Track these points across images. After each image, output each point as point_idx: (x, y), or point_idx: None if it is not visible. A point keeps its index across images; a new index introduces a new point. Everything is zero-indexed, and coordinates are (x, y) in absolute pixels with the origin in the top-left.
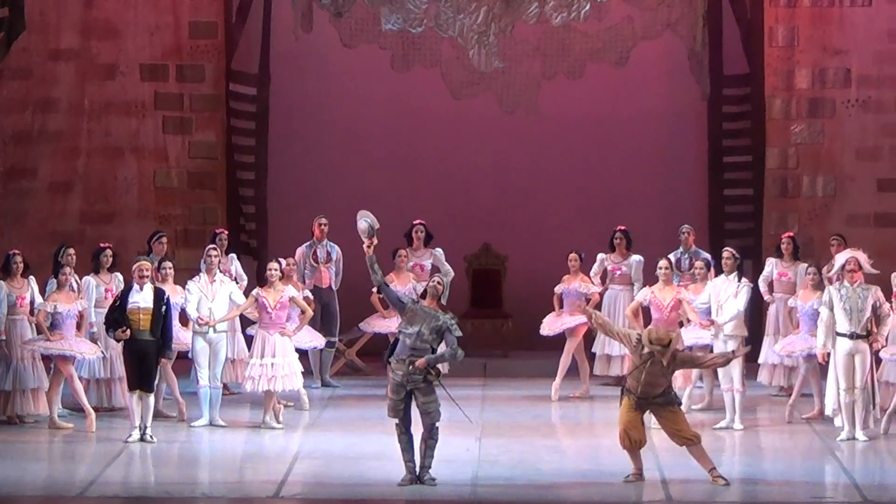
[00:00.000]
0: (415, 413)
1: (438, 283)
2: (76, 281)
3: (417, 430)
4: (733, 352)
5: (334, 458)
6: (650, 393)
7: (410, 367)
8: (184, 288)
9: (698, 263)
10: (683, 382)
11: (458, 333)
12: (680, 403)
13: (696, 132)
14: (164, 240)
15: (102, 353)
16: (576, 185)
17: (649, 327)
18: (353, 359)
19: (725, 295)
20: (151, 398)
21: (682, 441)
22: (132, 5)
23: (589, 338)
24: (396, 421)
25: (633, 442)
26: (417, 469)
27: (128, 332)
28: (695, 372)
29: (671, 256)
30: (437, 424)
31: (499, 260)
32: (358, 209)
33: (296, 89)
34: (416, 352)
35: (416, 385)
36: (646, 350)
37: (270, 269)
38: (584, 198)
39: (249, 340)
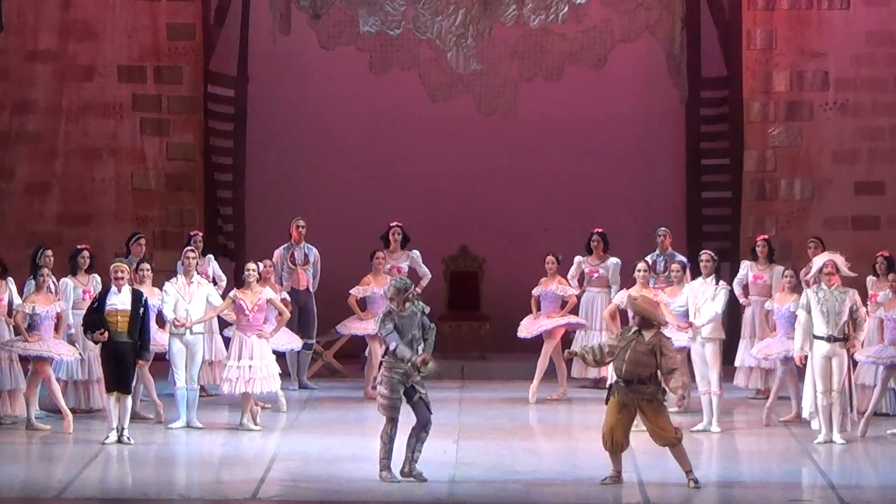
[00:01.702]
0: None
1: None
2: (54, 282)
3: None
4: (683, 397)
5: (312, 460)
6: (635, 374)
7: (412, 364)
8: (161, 290)
9: (674, 266)
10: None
11: (427, 310)
12: (664, 400)
13: (673, 135)
14: (143, 241)
15: (80, 354)
16: (553, 187)
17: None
18: (331, 361)
19: (703, 298)
20: (129, 400)
21: (665, 441)
22: (110, 7)
23: (566, 340)
24: (393, 418)
25: (616, 444)
26: (402, 464)
27: (105, 333)
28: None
29: (647, 259)
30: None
31: (476, 262)
32: (336, 211)
33: (274, 91)
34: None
35: (415, 380)
36: (631, 331)
37: (248, 271)
38: (561, 200)
39: (227, 342)
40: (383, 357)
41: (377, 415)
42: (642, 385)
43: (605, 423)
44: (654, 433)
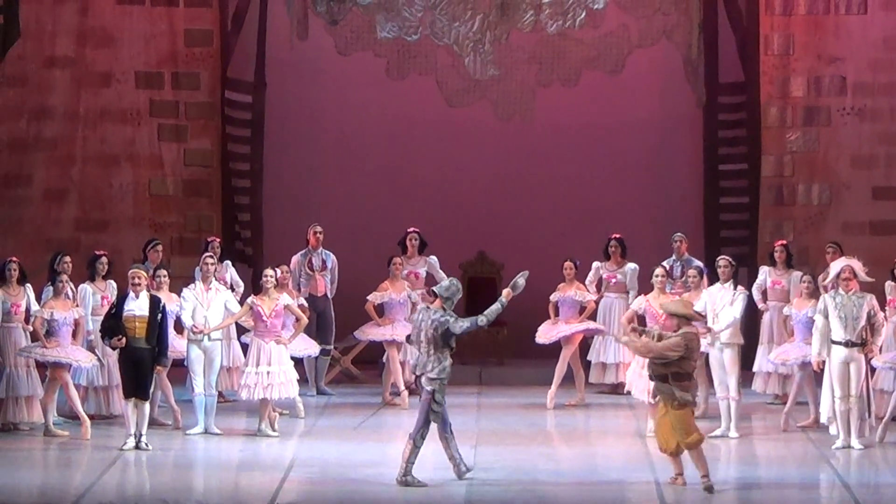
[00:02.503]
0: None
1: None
2: (72, 289)
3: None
4: None
5: (329, 466)
6: (658, 372)
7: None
8: (179, 296)
9: (691, 271)
10: None
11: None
12: (695, 405)
13: (691, 140)
14: (160, 248)
15: (99, 360)
16: (571, 193)
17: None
18: (349, 367)
19: (721, 303)
20: (147, 406)
21: (686, 445)
22: (127, 13)
23: (585, 346)
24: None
25: (669, 447)
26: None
27: (123, 340)
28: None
29: (665, 264)
30: None
31: (494, 268)
32: (353, 217)
33: (291, 97)
34: None
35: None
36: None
37: (266, 277)
38: (579, 205)
39: (245, 348)
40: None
41: (395, 420)
42: (664, 383)
43: (658, 429)
44: (677, 435)
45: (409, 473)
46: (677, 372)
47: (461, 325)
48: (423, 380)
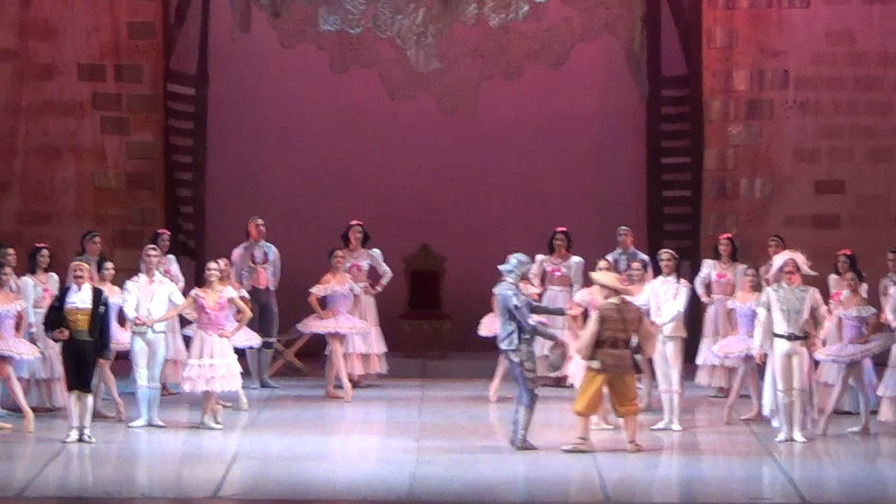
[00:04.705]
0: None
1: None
2: (15, 281)
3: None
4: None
5: (272, 459)
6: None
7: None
8: (122, 288)
9: (635, 265)
10: None
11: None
12: (640, 371)
13: (634, 133)
14: (98, 239)
15: (41, 353)
16: (514, 186)
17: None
18: (292, 359)
19: (665, 296)
20: (90, 398)
21: (627, 411)
22: (70, 5)
23: None
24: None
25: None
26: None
27: (66, 332)
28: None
29: (609, 257)
30: None
31: (437, 261)
32: (296, 209)
33: (234, 90)
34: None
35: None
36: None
37: (210, 270)
38: (522, 198)
39: (187, 341)
40: (523, 337)
41: (338, 413)
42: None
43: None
44: (619, 402)
45: (526, 439)
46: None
47: (522, 310)
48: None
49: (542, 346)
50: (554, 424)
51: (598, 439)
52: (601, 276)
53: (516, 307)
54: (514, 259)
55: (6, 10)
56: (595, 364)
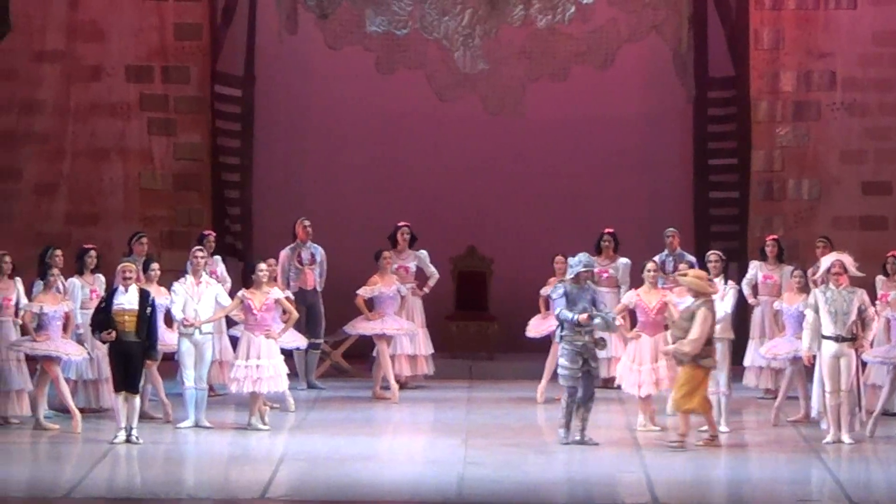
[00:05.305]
0: None
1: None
2: (62, 283)
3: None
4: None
5: (319, 460)
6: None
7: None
8: (168, 289)
9: (683, 266)
10: (669, 385)
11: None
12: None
13: (680, 135)
14: (145, 240)
15: (89, 354)
16: (560, 187)
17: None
18: (339, 361)
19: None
20: (137, 399)
21: (675, 405)
22: (117, 7)
23: None
24: (570, 387)
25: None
26: (573, 432)
27: (113, 333)
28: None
29: (656, 259)
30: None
31: (484, 262)
32: (343, 210)
33: (281, 91)
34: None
35: (591, 352)
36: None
37: (260, 271)
38: (568, 200)
39: (234, 342)
40: (562, 332)
41: (385, 415)
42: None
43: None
44: (675, 390)
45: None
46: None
47: (560, 303)
48: None
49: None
50: (601, 425)
51: (644, 440)
52: (692, 280)
53: (550, 297)
54: (573, 260)
55: (54, 13)
56: (709, 362)
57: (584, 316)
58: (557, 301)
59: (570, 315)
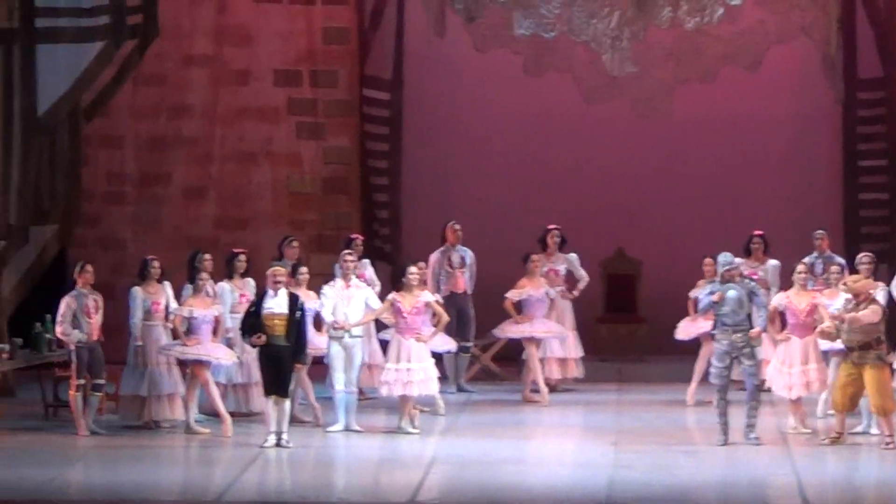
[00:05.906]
0: None
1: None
2: (212, 287)
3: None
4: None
5: (470, 464)
6: (855, 341)
7: (738, 336)
8: (317, 293)
9: (833, 268)
10: (819, 387)
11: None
12: (890, 364)
13: (829, 136)
14: (296, 244)
15: (238, 358)
16: (709, 189)
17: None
18: (489, 364)
19: None
20: (287, 403)
21: (876, 408)
22: (265, 11)
23: None
24: (720, 386)
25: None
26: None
27: (263, 337)
28: (830, 379)
29: (806, 260)
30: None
31: (633, 265)
32: (491, 213)
33: (429, 94)
34: (737, 323)
35: (741, 351)
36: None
37: (411, 274)
38: (717, 202)
39: (385, 345)
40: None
41: (535, 418)
42: (865, 350)
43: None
44: (871, 396)
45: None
46: (878, 337)
47: (703, 300)
48: None
49: None
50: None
51: (795, 442)
52: (853, 286)
53: (699, 299)
54: (719, 259)
55: (203, 17)
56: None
57: (717, 295)
58: (703, 299)
59: (707, 300)
